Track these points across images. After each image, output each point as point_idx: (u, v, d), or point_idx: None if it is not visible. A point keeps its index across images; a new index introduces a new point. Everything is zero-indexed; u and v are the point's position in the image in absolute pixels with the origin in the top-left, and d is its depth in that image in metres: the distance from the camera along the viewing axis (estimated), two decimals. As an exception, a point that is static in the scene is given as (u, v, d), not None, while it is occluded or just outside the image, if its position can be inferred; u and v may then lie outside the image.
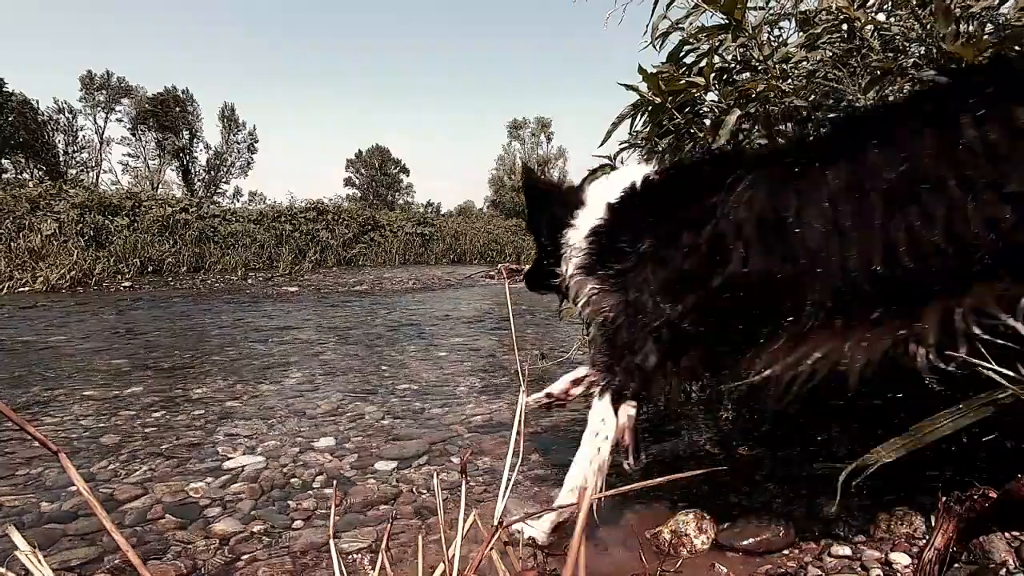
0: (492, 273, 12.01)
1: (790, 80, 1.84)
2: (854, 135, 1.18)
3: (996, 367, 1.05)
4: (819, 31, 1.75)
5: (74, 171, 36.32)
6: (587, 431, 1.39)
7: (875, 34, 1.69)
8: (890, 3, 1.79)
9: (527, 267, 1.92)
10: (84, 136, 38.66)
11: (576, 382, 1.74)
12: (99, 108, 38.89)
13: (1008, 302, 1.04)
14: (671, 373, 1.38)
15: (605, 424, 1.37)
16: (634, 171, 1.54)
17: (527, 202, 1.76)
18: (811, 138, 1.44)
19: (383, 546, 0.88)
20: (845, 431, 1.78)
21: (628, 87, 2.03)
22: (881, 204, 1.07)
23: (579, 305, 1.60)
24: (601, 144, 2.16)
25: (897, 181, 1.06)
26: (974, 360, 1.08)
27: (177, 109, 40.49)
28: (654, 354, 1.33)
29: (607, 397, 1.38)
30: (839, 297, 1.13)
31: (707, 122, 2.03)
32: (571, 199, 1.61)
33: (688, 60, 2.03)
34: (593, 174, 2.07)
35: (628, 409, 1.38)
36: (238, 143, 43.78)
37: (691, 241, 1.27)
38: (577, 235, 1.54)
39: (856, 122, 1.25)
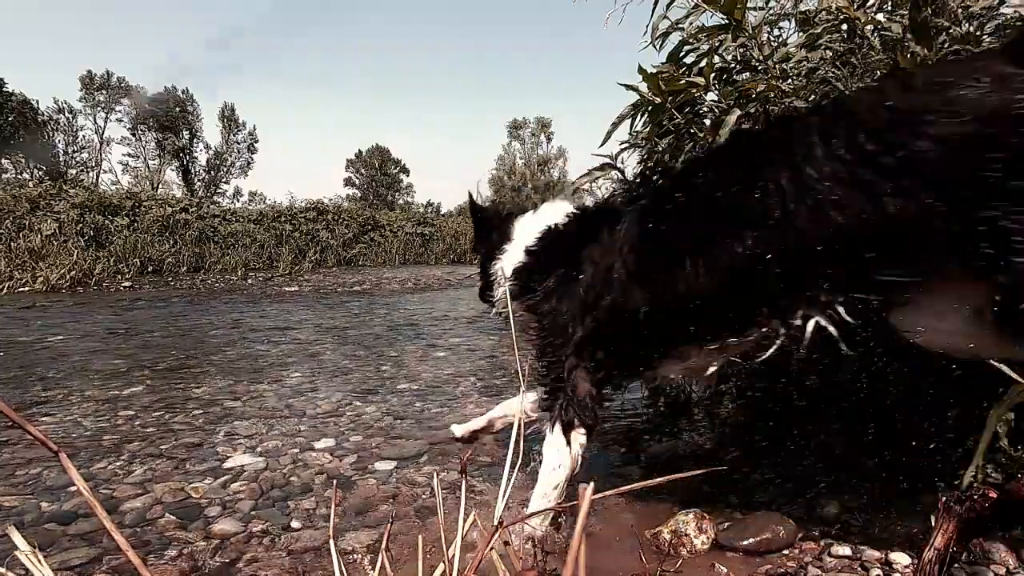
0: (492, 273, 11.99)
1: (790, 80, 1.84)
2: (697, 172, 1.38)
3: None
4: (819, 31, 1.75)
5: (74, 171, 36.31)
6: (543, 463, 1.47)
7: (875, 34, 1.69)
8: (890, 3, 1.79)
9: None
10: (84, 136, 38.70)
11: (491, 422, 1.89)
12: (99, 108, 38.88)
13: (825, 307, 1.18)
14: (600, 396, 1.51)
15: (559, 454, 1.45)
16: (554, 210, 1.70)
17: (473, 227, 1.93)
18: (679, 170, 1.59)
19: (383, 546, 0.88)
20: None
21: (628, 87, 2.02)
22: (717, 233, 1.24)
23: (504, 319, 1.78)
24: (601, 144, 2.15)
25: (721, 215, 1.24)
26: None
27: (177, 109, 40.47)
28: (584, 381, 1.46)
29: (557, 428, 1.46)
30: (696, 314, 1.30)
31: (707, 122, 2.03)
32: (504, 232, 1.78)
33: (688, 60, 2.03)
34: (591, 172, 2.11)
35: (579, 437, 1.47)
36: (238, 143, 43.74)
37: (590, 277, 1.46)
38: (505, 267, 1.73)
39: (711, 156, 1.45)
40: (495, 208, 1.95)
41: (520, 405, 1.82)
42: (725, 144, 1.48)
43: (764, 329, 1.25)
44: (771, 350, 1.25)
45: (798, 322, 1.20)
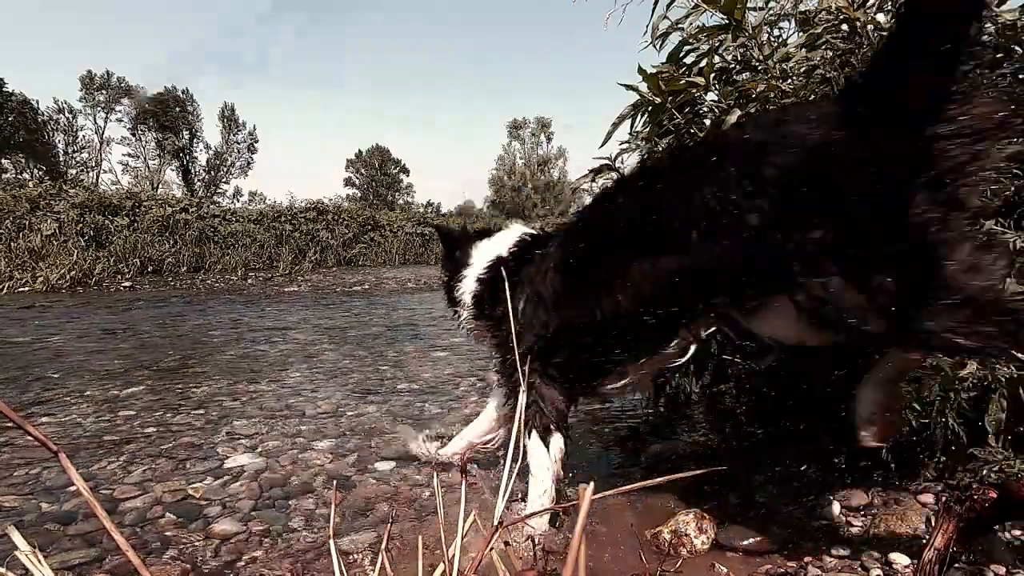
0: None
1: (790, 80, 1.83)
2: (608, 200, 1.51)
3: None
4: (819, 31, 1.74)
5: (74, 171, 36.30)
6: (531, 466, 1.55)
7: (875, 34, 1.68)
8: (890, 3, 1.78)
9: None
10: (84, 136, 38.70)
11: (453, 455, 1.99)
12: (99, 108, 38.89)
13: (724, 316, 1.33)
14: (568, 402, 1.61)
15: (541, 458, 1.54)
16: (506, 236, 1.83)
17: (442, 249, 2.06)
18: (596, 197, 1.69)
19: (383, 546, 0.88)
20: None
21: (628, 87, 2.02)
22: (625, 256, 1.35)
23: (470, 334, 1.94)
24: (601, 145, 2.15)
25: (628, 241, 1.36)
26: None
27: (177, 109, 40.46)
28: (549, 391, 1.56)
29: (535, 435, 1.55)
30: (616, 332, 1.42)
31: (707, 122, 2.03)
32: (465, 254, 1.89)
33: (688, 60, 2.03)
34: (589, 173, 2.12)
35: (556, 440, 1.55)
36: (238, 143, 43.76)
37: (525, 300, 1.58)
38: (464, 291, 1.85)
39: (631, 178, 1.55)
40: (462, 229, 2.05)
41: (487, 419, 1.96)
42: (633, 172, 1.61)
43: (678, 340, 1.41)
44: (688, 355, 1.44)
45: (704, 332, 1.36)
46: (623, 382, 1.55)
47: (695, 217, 1.21)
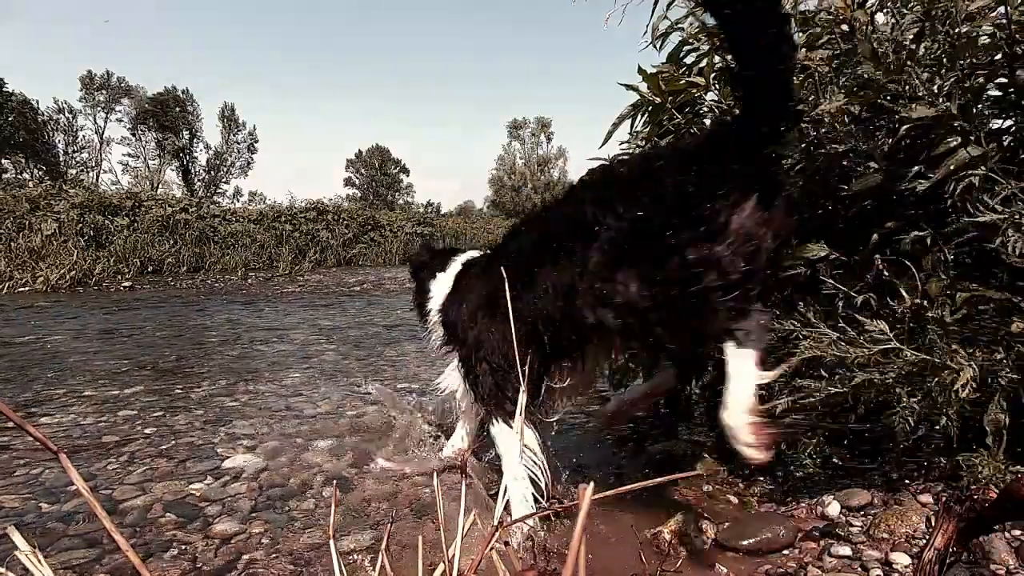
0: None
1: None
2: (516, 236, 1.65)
3: None
4: (819, 31, 1.75)
5: (74, 171, 36.30)
6: (501, 455, 1.60)
7: (874, 34, 1.68)
8: (889, 3, 1.78)
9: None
10: (84, 136, 38.69)
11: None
12: (99, 108, 38.86)
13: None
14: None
15: (511, 443, 1.58)
16: (457, 264, 1.95)
17: (413, 275, 2.17)
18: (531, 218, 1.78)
19: (383, 546, 0.88)
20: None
21: (628, 87, 2.03)
22: (532, 284, 1.47)
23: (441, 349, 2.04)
24: (602, 145, 2.16)
25: (538, 269, 1.47)
26: None
27: (177, 109, 40.43)
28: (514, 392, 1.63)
29: (499, 420, 1.61)
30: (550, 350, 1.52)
31: (707, 122, 2.03)
32: (428, 285, 2.02)
33: (688, 60, 2.03)
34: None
35: (527, 430, 1.60)
36: (238, 143, 43.72)
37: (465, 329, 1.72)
38: (431, 320, 1.98)
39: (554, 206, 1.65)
40: (429, 257, 2.15)
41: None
42: (545, 206, 1.72)
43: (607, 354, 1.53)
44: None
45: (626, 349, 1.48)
46: (561, 399, 1.68)
47: (582, 242, 1.36)
